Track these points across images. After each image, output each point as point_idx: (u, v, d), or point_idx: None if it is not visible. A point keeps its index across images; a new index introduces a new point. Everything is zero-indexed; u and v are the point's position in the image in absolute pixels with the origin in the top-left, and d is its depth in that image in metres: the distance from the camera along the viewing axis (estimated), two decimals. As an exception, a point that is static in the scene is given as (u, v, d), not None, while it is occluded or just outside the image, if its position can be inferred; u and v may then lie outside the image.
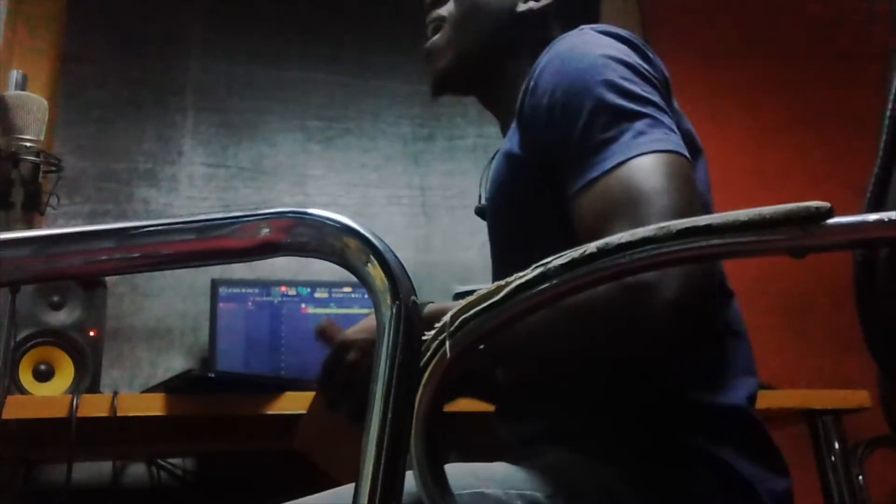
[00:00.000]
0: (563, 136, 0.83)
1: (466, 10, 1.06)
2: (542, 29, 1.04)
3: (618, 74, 0.83)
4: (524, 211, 0.93)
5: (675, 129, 0.83)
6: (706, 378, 0.87)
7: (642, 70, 0.86)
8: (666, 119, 0.82)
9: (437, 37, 1.08)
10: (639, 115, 0.81)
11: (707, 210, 0.90)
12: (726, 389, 0.87)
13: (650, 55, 0.90)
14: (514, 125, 0.93)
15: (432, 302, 0.91)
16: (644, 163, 0.77)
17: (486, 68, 1.06)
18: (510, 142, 0.94)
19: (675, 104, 0.91)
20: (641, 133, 0.79)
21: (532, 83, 0.89)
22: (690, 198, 0.77)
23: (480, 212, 1.11)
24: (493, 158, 1.04)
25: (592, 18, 1.05)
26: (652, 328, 0.72)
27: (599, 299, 0.72)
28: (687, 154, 0.81)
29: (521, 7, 1.05)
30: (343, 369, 0.96)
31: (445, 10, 1.08)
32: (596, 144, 0.80)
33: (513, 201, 0.95)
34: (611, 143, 0.79)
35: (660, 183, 0.76)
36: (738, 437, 0.85)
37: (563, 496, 0.81)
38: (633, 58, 0.87)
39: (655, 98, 0.84)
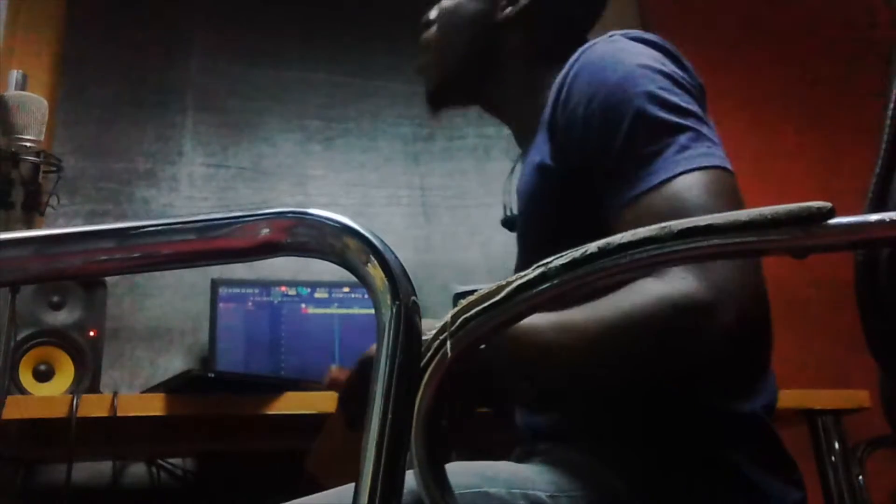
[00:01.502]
0: (603, 147, 0.82)
1: (445, 28, 1.09)
2: (528, 31, 1.05)
3: (657, 85, 0.82)
4: (558, 221, 0.91)
5: (717, 140, 0.82)
6: (724, 384, 0.85)
7: (679, 79, 0.85)
8: (707, 130, 0.81)
9: (423, 58, 1.12)
10: (681, 129, 0.79)
11: None
12: (744, 396, 0.86)
13: (685, 62, 0.89)
14: (542, 136, 0.92)
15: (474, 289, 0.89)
16: (690, 181, 0.76)
17: (476, 79, 1.08)
18: (540, 153, 0.92)
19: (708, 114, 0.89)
20: (685, 148, 0.78)
21: (564, 94, 0.87)
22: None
23: (508, 223, 1.10)
24: (512, 169, 1.03)
25: (586, 14, 1.06)
26: (709, 352, 0.70)
27: (648, 318, 0.70)
28: (730, 167, 0.80)
29: (500, 14, 1.06)
30: (364, 390, 0.93)
31: (429, 34, 1.11)
32: (639, 159, 0.79)
33: (546, 212, 0.93)
34: (654, 159, 0.78)
35: (707, 201, 0.75)
36: (751, 445, 0.84)
37: (566, 496, 0.80)
38: (669, 66, 0.86)
39: (695, 108, 0.83)
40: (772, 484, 0.82)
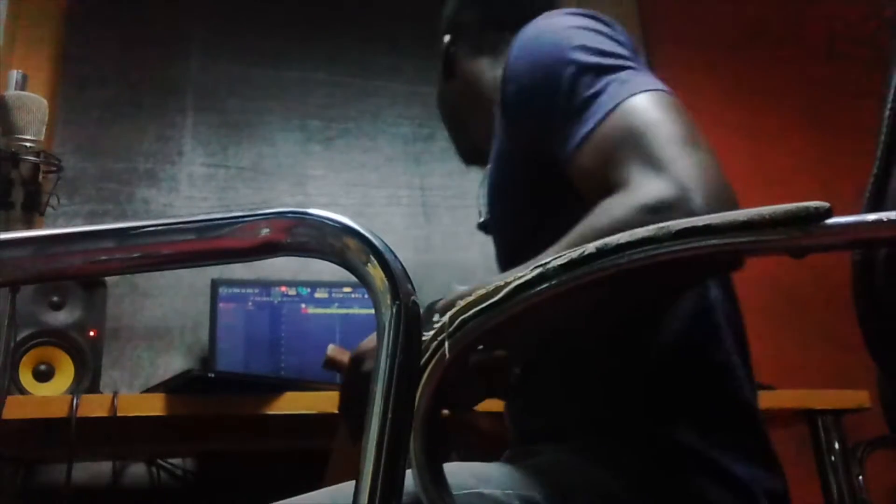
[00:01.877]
0: (549, 109, 0.84)
1: (443, 114, 1.22)
2: (473, 53, 1.13)
3: (589, 39, 0.85)
4: (523, 203, 0.93)
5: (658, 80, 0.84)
6: (705, 377, 0.87)
7: (611, 34, 0.88)
8: (645, 70, 0.84)
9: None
10: (619, 68, 0.82)
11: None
12: (718, 373, 0.87)
13: (615, 26, 0.92)
14: (498, 123, 0.94)
15: (441, 299, 0.90)
16: (636, 101, 0.78)
17: (468, 136, 1.16)
18: (498, 139, 0.95)
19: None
20: (626, 81, 0.80)
21: (507, 73, 0.90)
22: (691, 126, 0.77)
23: (484, 227, 1.12)
24: (485, 173, 1.05)
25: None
26: None
27: (622, 226, 0.70)
28: (674, 95, 0.81)
29: (460, 80, 1.14)
30: (361, 386, 0.93)
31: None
32: (583, 102, 0.81)
33: (511, 197, 0.95)
34: (598, 97, 0.80)
35: (658, 115, 0.76)
36: (737, 438, 0.84)
37: (560, 497, 0.80)
38: (600, 26, 0.89)
39: (629, 55, 0.86)
40: (755, 474, 0.82)
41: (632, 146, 0.75)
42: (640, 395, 0.86)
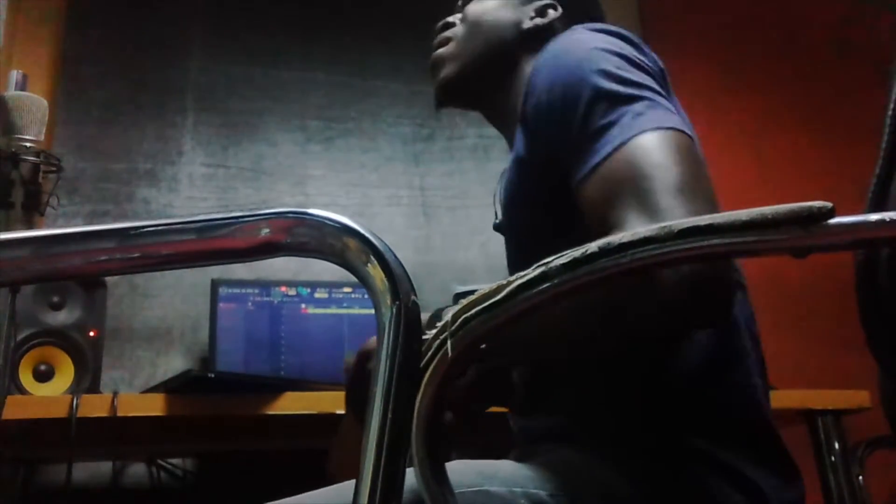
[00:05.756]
0: (564, 130, 0.83)
1: (472, 25, 1.10)
2: (545, 41, 1.06)
3: (611, 63, 0.84)
4: (539, 214, 0.92)
5: (675, 111, 0.83)
6: (717, 378, 0.86)
7: (636, 59, 0.87)
8: (664, 102, 0.83)
9: (442, 49, 1.12)
10: (636, 98, 0.81)
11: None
12: (738, 392, 0.87)
13: (644, 48, 0.91)
14: (518, 131, 0.93)
15: (448, 306, 0.90)
16: (645, 140, 0.77)
17: (488, 81, 1.08)
18: (517, 148, 0.94)
19: (675, 98, 0.90)
20: (640, 114, 0.79)
21: (530, 86, 0.90)
22: (696, 171, 0.76)
23: (499, 228, 1.11)
24: (502, 175, 1.04)
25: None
26: (667, 299, 0.69)
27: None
28: (689, 132, 0.80)
29: (528, 24, 1.08)
30: (366, 379, 0.93)
31: (452, 32, 1.12)
32: (595, 131, 0.80)
33: (527, 206, 0.94)
34: (610, 128, 0.80)
35: (663, 158, 0.75)
36: (748, 441, 0.84)
37: (566, 495, 0.80)
38: (626, 49, 0.88)
39: (651, 83, 0.84)
40: (767, 479, 0.82)
41: (632, 190, 0.75)
42: (655, 408, 0.85)
